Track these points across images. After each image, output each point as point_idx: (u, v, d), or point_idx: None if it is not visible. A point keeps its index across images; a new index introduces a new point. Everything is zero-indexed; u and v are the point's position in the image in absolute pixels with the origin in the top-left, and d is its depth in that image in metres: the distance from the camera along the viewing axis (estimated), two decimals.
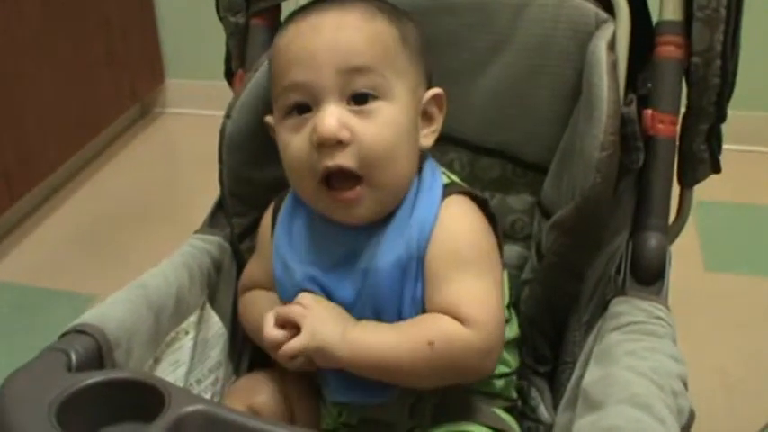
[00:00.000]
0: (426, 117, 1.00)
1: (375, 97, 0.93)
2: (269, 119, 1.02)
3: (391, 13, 0.98)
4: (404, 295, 0.94)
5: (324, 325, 0.92)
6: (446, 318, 0.92)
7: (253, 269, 1.10)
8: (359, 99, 0.92)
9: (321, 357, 0.92)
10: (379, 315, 0.95)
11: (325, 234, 0.99)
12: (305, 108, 0.93)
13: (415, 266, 0.94)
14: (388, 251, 0.94)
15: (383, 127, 0.92)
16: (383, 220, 0.96)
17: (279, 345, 0.93)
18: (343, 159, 0.91)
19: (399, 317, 0.95)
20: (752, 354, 1.89)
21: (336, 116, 0.91)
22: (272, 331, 0.94)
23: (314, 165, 0.92)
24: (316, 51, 0.92)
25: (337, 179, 0.93)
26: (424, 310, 0.95)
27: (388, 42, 0.95)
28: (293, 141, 0.94)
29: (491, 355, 0.94)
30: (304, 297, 0.95)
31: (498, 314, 0.94)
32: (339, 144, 0.90)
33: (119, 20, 2.83)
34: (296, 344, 0.91)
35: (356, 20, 0.94)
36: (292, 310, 0.93)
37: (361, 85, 0.92)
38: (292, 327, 0.93)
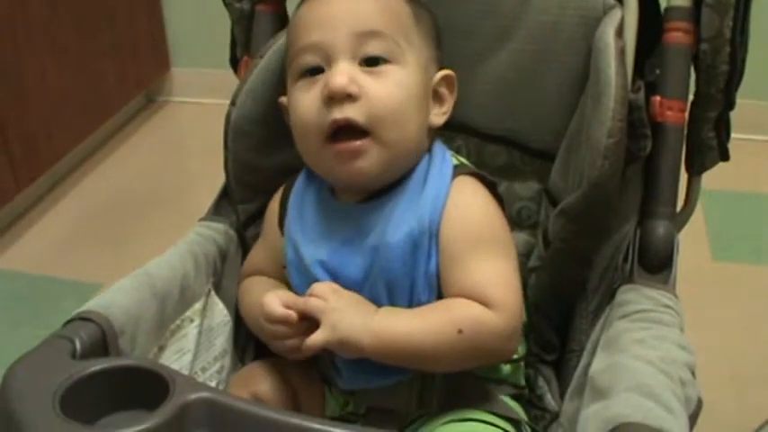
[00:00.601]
0: (437, 97, 1.02)
1: (387, 61, 0.95)
2: (283, 99, 1.04)
3: None
4: (416, 270, 0.95)
5: (344, 316, 0.92)
6: (473, 303, 0.92)
7: (256, 255, 1.11)
8: (371, 62, 0.95)
9: (345, 349, 0.92)
10: (391, 291, 0.95)
11: (334, 212, 1.01)
12: (318, 70, 0.96)
13: (428, 242, 0.94)
14: (399, 226, 0.95)
15: (393, 86, 0.95)
16: (393, 196, 0.97)
17: (287, 321, 0.94)
18: (352, 112, 0.93)
19: (412, 292, 0.95)
20: (759, 343, 1.89)
21: (347, 72, 0.93)
22: (278, 309, 0.94)
23: (322, 119, 0.94)
24: (331, 14, 0.96)
25: (344, 134, 0.94)
26: (437, 286, 0.95)
27: (402, 14, 0.99)
28: (304, 98, 0.96)
29: (515, 338, 0.95)
30: (318, 287, 0.94)
31: (520, 295, 0.96)
32: (348, 98, 0.92)
33: (124, 8, 2.83)
34: (318, 338, 0.91)
35: None
36: (310, 304, 0.93)
37: (373, 48, 0.95)
38: (303, 319, 0.93)
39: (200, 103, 3.10)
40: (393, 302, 0.95)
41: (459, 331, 0.90)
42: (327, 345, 0.91)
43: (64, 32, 2.53)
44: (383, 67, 0.95)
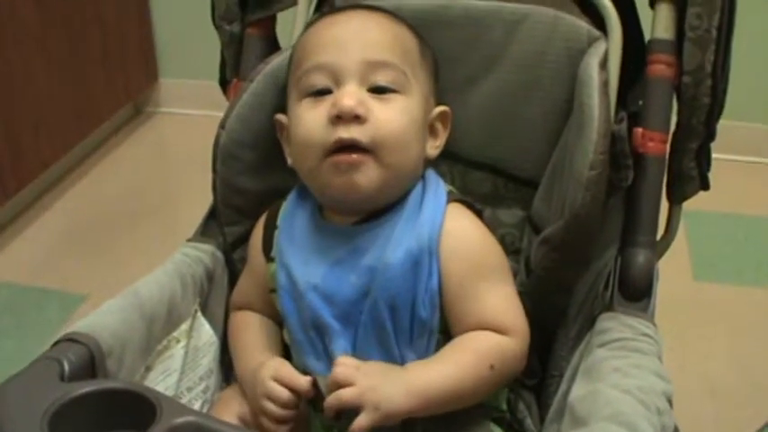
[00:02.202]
0: (433, 131, 1.05)
1: (394, 91, 0.98)
2: (280, 117, 1.06)
3: (412, 27, 1.05)
4: (418, 287, 0.96)
5: (381, 392, 0.90)
6: (491, 335, 0.96)
7: (243, 286, 1.12)
8: (378, 90, 0.97)
9: (391, 421, 0.91)
10: (393, 309, 0.96)
11: (326, 233, 1.02)
12: (325, 92, 0.98)
13: (428, 259, 0.96)
14: (398, 245, 0.97)
15: (398, 113, 0.97)
16: (389, 218, 0.99)
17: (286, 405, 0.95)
18: (357, 133, 0.95)
19: (413, 309, 0.97)
20: (740, 362, 1.91)
21: (357, 95, 0.96)
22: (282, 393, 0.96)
23: (326, 137, 0.95)
24: (344, 38, 0.99)
25: (346, 152, 0.95)
26: (439, 302, 0.97)
27: (410, 46, 1.02)
28: (308, 115, 0.98)
29: (526, 356, 0.99)
30: (342, 372, 0.91)
31: (524, 316, 0.99)
32: (355, 119, 0.94)
33: (113, 18, 2.83)
34: (364, 423, 0.89)
35: (384, 20, 1.03)
36: (345, 397, 0.90)
37: (382, 77, 0.98)
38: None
39: (187, 115, 3.10)
40: (395, 320, 0.97)
41: (491, 367, 0.94)
42: (375, 424, 0.90)
43: (53, 41, 2.53)
44: (390, 95, 0.98)
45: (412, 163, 1.00)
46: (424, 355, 0.98)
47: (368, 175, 0.96)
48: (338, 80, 0.97)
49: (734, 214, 2.50)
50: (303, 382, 0.96)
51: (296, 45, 1.06)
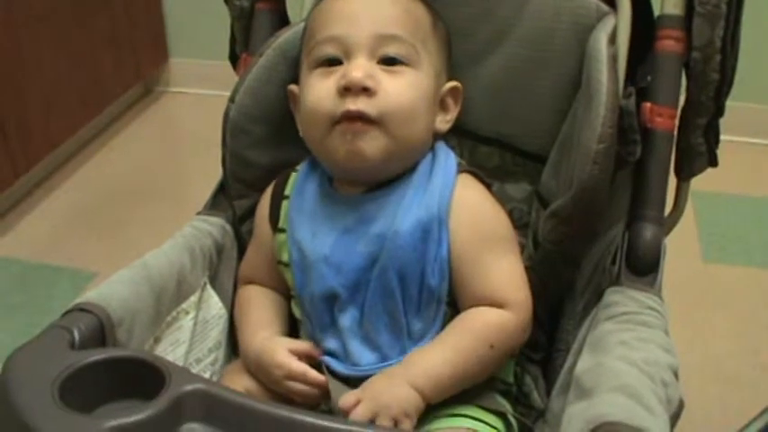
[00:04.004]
0: (443, 106, 1.06)
1: (403, 63, 0.99)
2: (293, 87, 1.07)
3: (426, 1, 1.05)
4: (427, 256, 0.97)
5: (389, 395, 0.92)
6: (489, 312, 0.97)
7: (251, 258, 1.13)
8: (388, 62, 0.99)
9: (411, 418, 0.92)
10: (403, 277, 0.97)
11: (335, 202, 1.03)
12: (336, 62, 0.99)
13: (437, 228, 0.98)
14: (407, 214, 0.98)
15: (407, 86, 0.98)
16: (398, 187, 1.00)
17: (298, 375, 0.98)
18: (365, 105, 0.96)
19: (422, 278, 0.98)
20: (748, 345, 1.91)
21: (366, 67, 0.97)
22: (292, 362, 0.99)
23: (334, 108, 0.97)
24: (357, 11, 1.01)
25: (354, 121, 0.96)
26: (449, 270, 0.98)
27: (422, 21, 1.03)
28: (319, 85, 0.99)
29: (528, 329, 1.00)
30: (346, 401, 0.92)
31: (527, 288, 1.00)
32: (364, 91, 0.96)
33: None
34: (384, 423, 0.90)
35: None
36: (356, 416, 0.90)
37: (392, 50, 0.99)
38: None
39: (197, 94, 3.11)
40: (404, 288, 0.98)
41: (491, 346, 0.96)
42: (394, 423, 0.91)
43: (62, 21, 2.53)
44: (399, 68, 0.99)
45: (419, 136, 1.01)
46: (431, 324, 0.99)
47: (373, 144, 0.97)
48: (349, 53, 0.99)
49: (744, 196, 2.50)
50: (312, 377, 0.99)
51: (309, 17, 1.07)
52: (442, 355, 0.95)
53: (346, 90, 0.96)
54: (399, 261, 0.97)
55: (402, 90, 0.98)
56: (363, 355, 1.00)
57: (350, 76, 0.95)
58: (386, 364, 0.98)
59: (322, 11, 1.04)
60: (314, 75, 1.01)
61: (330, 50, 1.00)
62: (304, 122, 1.03)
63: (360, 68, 0.96)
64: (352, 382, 0.98)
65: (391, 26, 0.99)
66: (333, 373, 1.00)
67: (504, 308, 0.97)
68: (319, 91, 0.99)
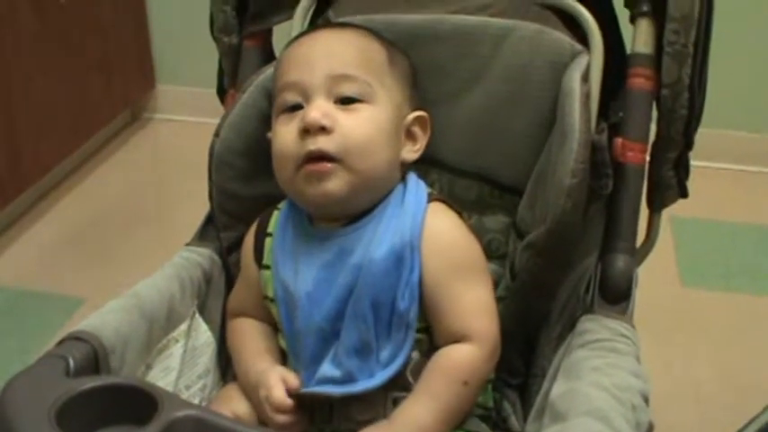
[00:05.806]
0: (410, 135, 1.09)
1: (359, 100, 1.03)
2: (269, 134, 1.10)
3: (383, 39, 1.09)
4: (399, 282, 1.00)
5: None
6: (459, 350, 1.00)
7: (239, 293, 1.16)
8: (345, 101, 1.03)
9: None
10: (375, 304, 1.00)
11: (314, 238, 1.07)
12: (298, 107, 1.03)
13: (410, 254, 1.00)
14: (382, 242, 1.01)
15: (364, 121, 1.02)
16: (372, 218, 1.04)
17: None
18: (324, 143, 1.00)
19: (393, 303, 1.00)
20: (726, 368, 1.93)
21: (322, 108, 1.01)
22: (281, 395, 1.01)
23: (298, 150, 1.01)
24: (310, 56, 1.05)
25: (316, 162, 1.01)
26: (419, 294, 1.01)
27: (376, 58, 1.06)
28: (283, 131, 1.04)
29: (495, 357, 1.03)
30: None
31: (496, 318, 1.03)
32: (322, 131, 1.00)
33: (112, 26, 2.85)
34: None
35: (350, 36, 1.08)
36: None
37: (347, 89, 1.03)
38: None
39: (184, 121, 3.11)
40: (376, 314, 1.00)
41: (465, 383, 0.99)
42: None
43: (52, 48, 2.55)
44: (356, 105, 1.03)
45: (382, 167, 1.04)
46: (400, 349, 1.01)
47: (337, 183, 1.01)
48: (307, 96, 1.03)
49: (721, 221, 2.53)
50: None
51: (276, 62, 1.12)
52: (424, 405, 0.98)
53: (306, 132, 1.00)
54: (373, 288, 1.00)
55: (358, 125, 1.02)
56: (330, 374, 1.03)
57: (307, 118, 1.00)
58: (353, 384, 1.01)
59: (283, 58, 1.09)
60: (279, 120, 1.06)
61: (290, 97, 1.04)
62: (275, 166, 1.07)
63: (316, 109, 1.01)
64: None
65: (344, 67, 1.04)
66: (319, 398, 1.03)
67: (471, 340, 1.00)
68: (284, 135, 1.03)
